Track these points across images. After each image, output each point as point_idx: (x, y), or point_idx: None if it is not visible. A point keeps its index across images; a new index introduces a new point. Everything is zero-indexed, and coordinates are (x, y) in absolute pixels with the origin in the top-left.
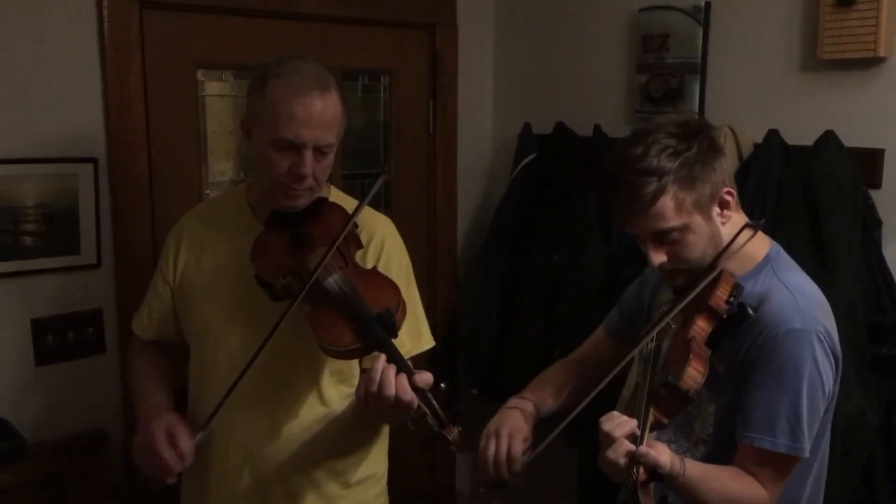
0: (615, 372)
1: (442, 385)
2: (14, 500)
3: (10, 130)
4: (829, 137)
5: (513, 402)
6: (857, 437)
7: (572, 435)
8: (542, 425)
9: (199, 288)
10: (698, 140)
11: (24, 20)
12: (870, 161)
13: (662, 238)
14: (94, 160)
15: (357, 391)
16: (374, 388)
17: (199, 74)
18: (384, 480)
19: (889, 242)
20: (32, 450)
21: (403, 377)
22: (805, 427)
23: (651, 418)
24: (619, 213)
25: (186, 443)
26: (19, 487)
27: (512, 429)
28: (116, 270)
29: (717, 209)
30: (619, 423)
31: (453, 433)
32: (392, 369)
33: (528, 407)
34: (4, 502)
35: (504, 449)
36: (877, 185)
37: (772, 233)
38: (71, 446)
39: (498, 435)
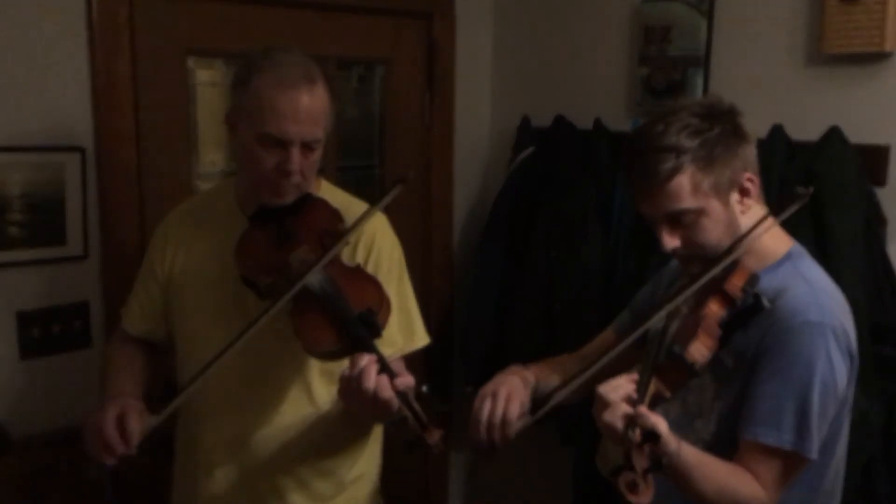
0: (626, 343)
1: (424, 388)
2: None
3: None
4: (833, 133)
5: (514, 368)
6: (858, 438)
7: (568, 434)
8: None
9: (187, 286)
10: (722, 122)
11: (10, 5)
12: (875, 158)
13: (677, 220)
14: (81, 149)
15: (339, 385)
16: (354, 383)
17: (190, 62)
18: (376, 480)
19: (893, 241)
20: (16, 444)
21: (385, 376)
22: (813, 426)
23: (652, 388)
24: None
25: (134, 427)
26: (3, 481)
27: (510, 391)
28: (103, 262)
29: (736, 196)
30: (615, 386)
31: (434, 437)
32: (374, 366)
33: (529, 376)
34: None
35: (500, 411)
36: (882, 182)
37: None
38: (55, 440)
39: (495, 396)
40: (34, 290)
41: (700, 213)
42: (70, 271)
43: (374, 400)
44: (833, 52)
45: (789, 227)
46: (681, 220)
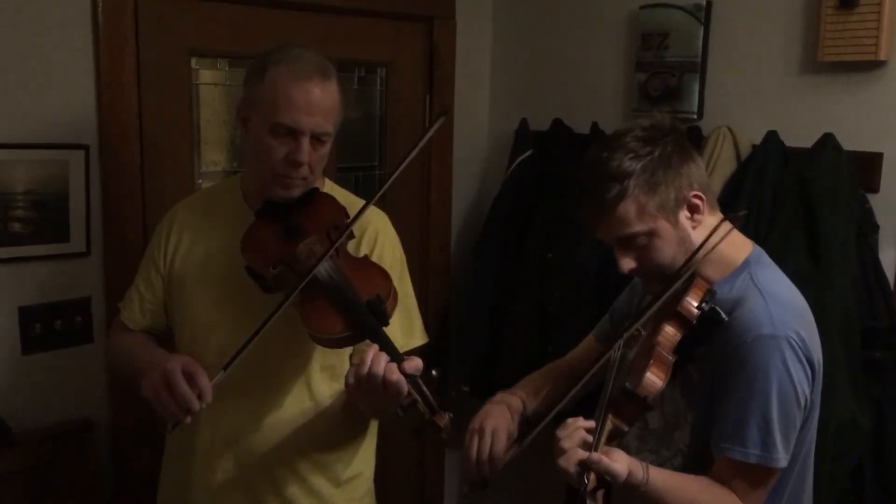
0: (590, 374)
1: (434, 372)
2: None
3: (0, 115)
4: (827, 140)
5: (500, 396)
6: (847, 442)
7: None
8: (527, 424)
9: (191, 278)
10: (662, 144)
11: (18, 5)
12: (868, 165)
13: (629, 243)
14: (85, 147)
15: (346, 377)
16: (364, 370)
17: (194, 62)
18: (371, 481)
19: (885, 246)
20: (18, 438)
21: (393, 363)
22: (777, 436)
23: (609, 425)
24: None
25: (205, 380)
26: (4, 475)
27: (496, 425)
28: (106, 259)
29: (685, 213)
30: (570, 432)
31: (444, 419)
32: (382, 354)
33: (516, 402)
34: None
35: (487, 447)
36: (874, 189)
37: (767, 234)
38: (57, 435)
39: (482, 432)
40: (37, 285)
41: (650, 234)
42: (72, 267)
43: (385, 384)
44: (828, 59)
45: (783, 231)
46: (633, 243)
